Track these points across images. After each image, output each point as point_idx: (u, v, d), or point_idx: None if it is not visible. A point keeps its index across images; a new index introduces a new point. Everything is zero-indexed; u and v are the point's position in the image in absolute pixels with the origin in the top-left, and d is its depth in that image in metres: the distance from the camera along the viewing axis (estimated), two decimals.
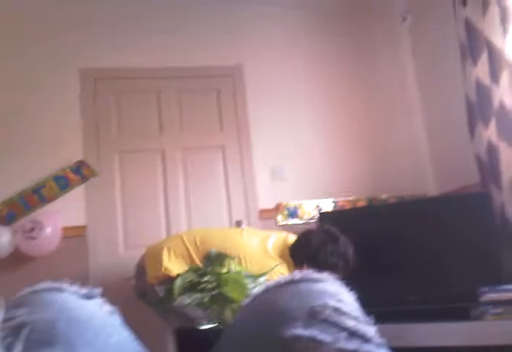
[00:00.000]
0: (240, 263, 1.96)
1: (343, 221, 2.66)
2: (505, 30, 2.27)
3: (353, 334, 0.45)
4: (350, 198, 3.08)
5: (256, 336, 0.46)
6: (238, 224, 2.89)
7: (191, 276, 1.24)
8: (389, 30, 3.41)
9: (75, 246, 2.71)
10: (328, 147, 3.19)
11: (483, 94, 2.40)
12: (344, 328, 0.45)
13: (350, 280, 2.15)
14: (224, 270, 1.30)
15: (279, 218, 2.99)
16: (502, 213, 2.30)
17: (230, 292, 1.08)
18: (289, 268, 2.04)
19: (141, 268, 2.11)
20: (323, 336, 0.43)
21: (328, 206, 3.05)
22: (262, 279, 1.21)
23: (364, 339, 0.45)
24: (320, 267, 2.04)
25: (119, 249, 2.83)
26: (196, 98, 3.13)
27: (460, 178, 2.73)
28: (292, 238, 2.18)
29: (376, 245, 2.54)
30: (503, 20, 2.28)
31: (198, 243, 2.04)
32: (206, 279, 1.18)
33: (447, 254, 2.34)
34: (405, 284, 2.43)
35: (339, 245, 2.11)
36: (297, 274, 0.51)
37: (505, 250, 2.25)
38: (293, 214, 3.01)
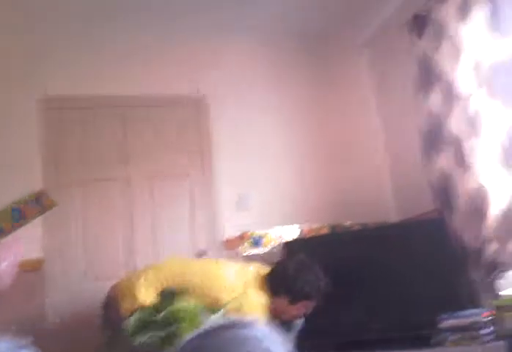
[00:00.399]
0: (217, 297, 1.97)
1: (307, 248, 2.68)
2: (457, 62, 2.38)
3: None
4: (315, 225, 3.12)
5: None
6: (200, 253, 2.88)
7: (146, 314, 1.22)
8: (349, 60, 3.51)
9: (31, 280, 2.61)
10: (292, 176, 3.24)
11: (436, 124, 2.51)
12: None
13: (316, 309, 2.17)
14: (180, 306, 1.29)
15: (244, 247, 2.99)
16: (459, 237, 2.38)
17: (186, 328, 1.08)
18: (263, 304, 2.06)
19: (111, 300, 2.07)
20: None
21: (292, 234, 3.07)
22: (218, 315, 1.21)
23: None
24: (296, 296, 2.07)
25: (78, 282, 2.75)
26: (161, 127, 3.13)
27: (419, 205, 2.81)
28: (266, 269, 2.20)
29: (339, 272, 2.56)
30: (456, 54, 2.39)
31: (175, 277, 2.02)
32: (161, 315, 1.17)
33: (408, 280, 2.38)
34: (367, 312, 2.45)
35: (314, 274, 2.18)
36: (227, 320, 0.52)
37: (462, 275, 2.33)
38: (257, 243, 3.01)
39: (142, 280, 2.02)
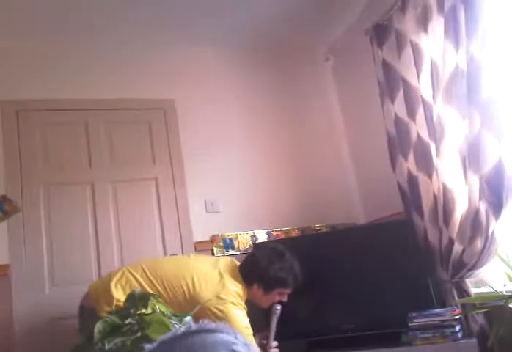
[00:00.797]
0: (194, 285, 1.98)
1: None
2: (418, 70, 2.45)
3: None
4: (284, 228, 3.13)
5: None
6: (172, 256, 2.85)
7: (113, 319, 1.19)
8: (314, 68, 3.59)
9: None
10: (260, 179, 3.25)
11: (401, 128, 2.57)
12: None
13: (287, 310, 2.18)
14: (148, 311, 1.26)
15: (215, 250, 2.97)
16: (425, 238, 2.43)
17: (154, 334, 1.05)
18: (240, 290, 2.08)
19: (86, 304, 2.07)
20: None
21: (262, 237, 3.07)
22: (187, 319, 1.19)
23: None
24: (270, 283, 2.08)
25: (45, 288, 2.68)
26: (127, 131, 3.09)
27: (386, 206, 2.87)
28: (238, 261, 2.21)
29: (310, 274, 2.58)
30: (416, 61, 2.46)
31: (148, 273, 2.06)
32: (128, 321, 1.14)
33: (378, 281, 2.43)
34: (339, 313, 2.48)
35: (286, 260, 2.20)
36: (193, 325, 0.51)
37: (430, 274, 2.37)
38: (228, 246, 3.00)
39: (116, 279, 2.05)
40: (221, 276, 2.08)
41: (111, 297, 1.97)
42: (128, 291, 1.90)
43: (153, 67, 3.21)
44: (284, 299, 2.16)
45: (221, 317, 1.96)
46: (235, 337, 0.50)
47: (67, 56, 3.05)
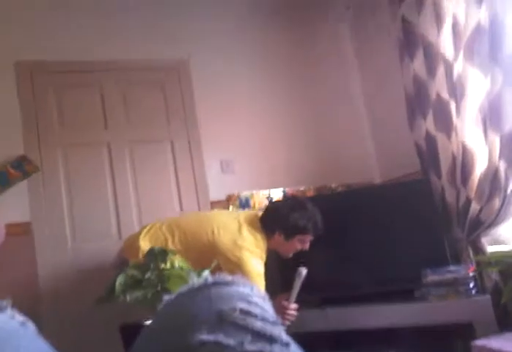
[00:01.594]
0: (213, 233, 2.07)
1: None
2: (439, 27, 2.38)
3: (259, 335, 0.45)
4: (300, 188, 3.15)
5: (164, 343, 0.47)
6: None
7: (134, 273, 1.23)
8: (330, 26, 3.49)
9: (20, 244, 2.61)
10: (277, 139, 3.24)
11: (420, 88, 2.52)
12: (251, 331, 0.45)
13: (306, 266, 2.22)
14: (167, 266, 1.30)
15: (231, 209, 3.01)
16: (442, 198, 2.44)
17: (173, 287, 1.08)
18: (258, 239, 2.11)
19: (121, 258, 2.18)
20: (228, 340, 0.44)
21: (278, 196, 3.09)
22: (206, 273, 1.22)
23: (271, 339, 0.46)
24: (291, 230, 2.11)
25: (67, 244, 2.76)
26: (141, 91, 3.07)
27: (403, 166, 2.86)
28: (260, 213, 2.24)
29: (326, 233, 2.62)
30: (437, 17, 2.38)
31: (173, 226, 2.16)
32: (148, 275, 1.17)
33: (393, 239, 2.46)
34: (354, 270, 2.52)
35: (307, 208, 2.21)
36: (209, 278, 0.52)
37: (446, 233, 2.39)
38: (244, 205, 3.03)
39: (144, 232, 2.16)
40: (240, 225, 2.12)
41: (139, 249, 2.05)
42: (155, 244, 1.99)
43: (166, 27, 3.16)
44: (306, 247, 2.17)
45: (236, 263, 2.00)
46: (251, 290, 0.51)
47: (80, 17, 3.00)
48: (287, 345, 0.47)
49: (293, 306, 2.06)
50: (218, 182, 3.07)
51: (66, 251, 2.76)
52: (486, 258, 2.24)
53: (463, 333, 2.06)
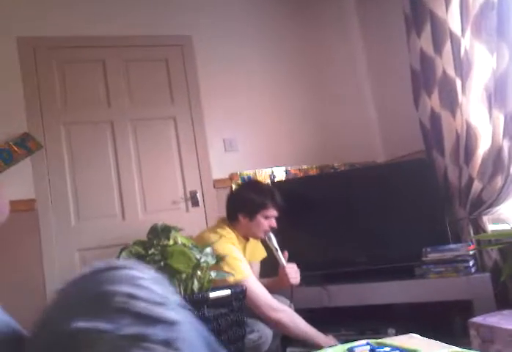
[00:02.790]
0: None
1: (296, 189, 2.73)
2: (447, 2, 2.32)
3: (141, 317, 0.44)
4: (303, 166, 3.14)
5: (51, 330, 0.45)
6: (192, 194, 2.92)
7: (137, 249, 1.24)
8: (336, 2, 3.42)
9: (24, 220, 2.64)
10: (280, 117, 3.22)
11: (426, 64, 2.48)
12: (133, 313, 0.44)
13: (303, 242, 2.22)
14: (170, 242, 1.31)
15: (234, 187, 3.02)
16: (445, 177, 2.43)
17: (176, 263, 1.10)
18: (226, 231, 2.13)
19: None
20: (106, 324, 0.43)
21: (280, 175, 3.10)
22: (208, 250, 1.23)
23: (154, 320, 0.44)
24: (250, 207, 2.12)
25: (71, 221, 2.79)
26: (144, 68, 3.05)
27: (407, 145, 2.84)
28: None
29: (328, 211, 2.63)
30: None
31: None
32: (152, 251, 1.19)
33: (395, 217, 2.46)
34: (355, 247, 2.54)
35: (261, 185, 2.28)
36: (100, 263, 0.50)
37: (447, 211, 2.39)
38: None
39: None
40: (208, 234, 2.12)
41: None
42: None
43: (170, 2, 3.11)
44: (274, 224, 2.17)
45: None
46: (144, 272, 0.50)
47: None
48: (173, 324, 0.45)
49: (289, 265, 2.08)
50: (221, 161, 3.07)
51: (69, 228, 2.79)
52: (486, 236, 2.24)
53: (462, 310, 2.08)
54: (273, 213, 2.16)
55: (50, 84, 2.87)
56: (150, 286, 0.47)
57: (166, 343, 0.43)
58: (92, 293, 0.45)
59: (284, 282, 2.07)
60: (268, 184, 2.31)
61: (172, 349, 0.43)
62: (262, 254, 2.33)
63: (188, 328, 0.49)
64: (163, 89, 3.06)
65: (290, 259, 2.11)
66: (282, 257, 2.09)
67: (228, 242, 2.06)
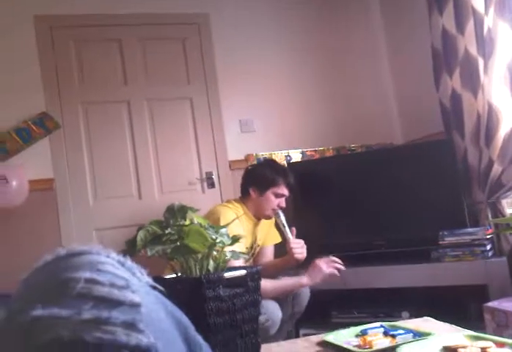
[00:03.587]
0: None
1: (312, 170, 2.72)
2: None
3: (102, 301, 0.43)
4: (319, 148, 3.12)
5: (10, 322, 0.44)
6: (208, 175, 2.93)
7: (154, 229, 1.25)
8: None
9: (43, 199, 2.69)
10: (297, 98, 3.19)
11: (448, 43, 2.42)
12: (93, 298, 0.43)
13: (321, 227, 2.21)
14: (187, 222, 1.32)
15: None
16: (464, 159, 2.39)
17: (192, 243, 1.10)
18: (238, 205, 2.19)
19: None
20: (67, 310, 0.42)
21: (296, 156, 3.08)
22: (223, 230, 1.24)
23: (116, 303, 0.43)
24: (261, 182, 2.15)
25: (89, 201, 2.82)
26: (161, 47, 3.03)
27: (425, 126, 2.80)
28: None
29: (345, 193, 2.62)
30: None
31: None
32: (168, 231, 1.20)
33: (412, 200, 2.44)
34: (372, 230, 2.53)
35: (276, 164, 2.31)
36: (62, 250, 0.49)
37: (466, 194, 2.36)
38: None
39: None
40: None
41: None
42: None
43: None
44: (283, 204, 2.18)
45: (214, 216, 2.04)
46: (107, 257, 0.48)
47: None
48: (135, 306, 0.44)
49: (295, 240, 2.08)
50: (237, 142, 3.06)
51: (87, 208, 2.82)
52: (505, 220, 2.21)
53: (478, 295, 2.07)
54: (283, 191, 2.17)
55: (67, 63, 2.88)
56: (111, 270, 0.46)
57: (128, 325, 0.42)
58: (53, 281, 0.45)
59: (292, 258, 2.07)
60: (283, 165, 2.32)
61: (135, 331, 0.43)
62: (277, 238, 2.34)
63: (155, 309, 0.48)
64: (180, 68, 3.05)
65: (306, 242, 2.11)
66: (289, 232, 2.11)
67: (231, 210, 2.10)
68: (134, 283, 0.47)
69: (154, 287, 0.52)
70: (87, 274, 0.44)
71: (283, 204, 2.18)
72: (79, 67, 2.90)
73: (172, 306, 0.53)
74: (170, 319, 0.51)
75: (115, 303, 0.43)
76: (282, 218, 2.16)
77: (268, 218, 2.22)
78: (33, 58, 2.80)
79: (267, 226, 2.29)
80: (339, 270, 2.03)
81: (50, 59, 2.84)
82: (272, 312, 1.91)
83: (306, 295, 2.16)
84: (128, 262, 0.50)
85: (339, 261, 2.05)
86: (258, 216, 2.22)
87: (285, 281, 1.97)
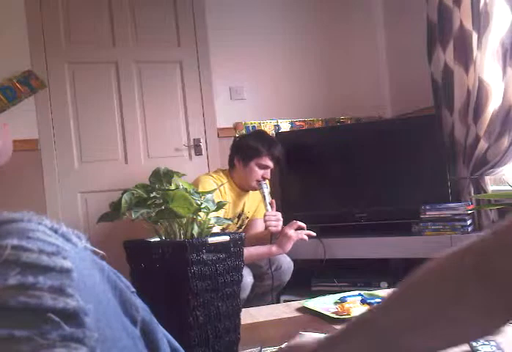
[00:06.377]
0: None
1: (300, 140, 2.72)
2: None
3: (29, 267, 0.43)
4: (308, 118, 3.11)
5: None
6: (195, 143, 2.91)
7: (139, 192, 1.25)
8: None
9: (28, 160, 2.65)
10: (287, 68, 3.14)
11: (444, 16, 2.39)
12: (20, 264, 0.43)
13: (305, 197, 2.23)
14: (172, 187, 1.31)
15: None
16: (451, 134, 2.40)
17: (177, 207, 1.10)
18: (218, 174, 2.24)
19: None
20: None
21: (285, 126, 3.07)
22: (209, 196, 1.24)
23: (44, 269, 0.43)
24: (245, 152, 2.16)
25: (74, 163, 2.79)
26: (151, 7, 2.93)
27: (416, 101, 2.79)
28: None
29: (330, 164, 2.63)
30: None
31: None
32: (153, 195, 1.19)
33: (396, 173, 2.46)
34: (355, 202, 2.56)
35: (263, 134, 2.32)
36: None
37: (450, 170, 2.39)
38: None
39: None
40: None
41: None
42: None
43: None
44: (267, 175, 2.18)
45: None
46: (39, 224, 0.47)
47: None
48: (64, 271, 0.44)
49: (271, 213, 2.09)
50: (226, 110, 3.03)
51: (72, 170, 2.79)
52: (486, 196, 2.25)
53: None
54: (267, 162, 2.16)
55: (54, 22, 2.78)
56: (42, 237, 0.45)
57: (55, 289, 0.43)
58: None
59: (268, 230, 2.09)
60: (272, 136, 2.33)
61: (63, 295, 0.43)
62: None
63: (88, 274, 0.48)
64: (170, 30, 2.97)
65: (286, 213, 2.12)
66: (268, 205, 2.11)
67: (211, 180, 2.12)
68: (67, 249, 0.46)
69: (95, 252, 0.52)
70: (15, 241, 0.44)
71: (267, 176, 2.18)
72: (66, 26, 2.81)
73: (110, 270, 0.53)
74: (106, 283, 0.51)
75: (43, 269, 0.43)
76: (265, 190, 2.15)
77: (254, 189, 2.22)
78: (19, 14, 2.70)
79: (258, 199, 2.30)
80: (309, 236, 2.05)
81: (37, 16, 2.74)
82: (243, 277, 1.95)
83: (288, 269, 2.19)
84: (63, 228, 0.49)
85: (304, 225, 2.06)
86: (244, 187, 2.23)
87: (257, 249, 1.99)
